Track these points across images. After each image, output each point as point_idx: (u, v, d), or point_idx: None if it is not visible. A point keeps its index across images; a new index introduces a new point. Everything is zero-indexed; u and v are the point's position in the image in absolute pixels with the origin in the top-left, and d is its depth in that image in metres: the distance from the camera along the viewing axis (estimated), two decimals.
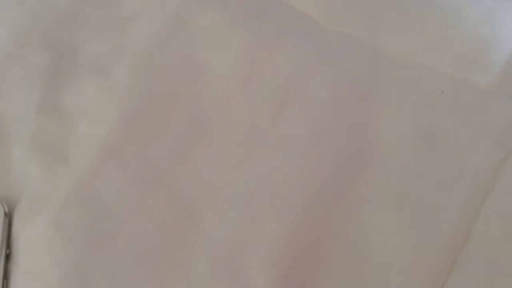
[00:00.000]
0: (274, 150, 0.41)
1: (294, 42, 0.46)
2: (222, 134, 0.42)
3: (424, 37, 0.48)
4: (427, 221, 0.37)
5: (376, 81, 0.45)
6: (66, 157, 0.41)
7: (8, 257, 0.36)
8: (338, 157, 0.41)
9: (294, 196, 0.39)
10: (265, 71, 0.44)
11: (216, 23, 0.47)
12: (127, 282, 0.36)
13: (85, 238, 0.37)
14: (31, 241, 0.37)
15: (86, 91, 0.44)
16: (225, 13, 0.48)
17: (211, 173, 0.40)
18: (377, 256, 0.37)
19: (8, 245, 0.37)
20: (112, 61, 0.46)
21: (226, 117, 0.42)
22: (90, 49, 0.47)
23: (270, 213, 0.38)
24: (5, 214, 0.38)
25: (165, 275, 0.37)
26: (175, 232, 0.38)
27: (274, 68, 0.44)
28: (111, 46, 0.47)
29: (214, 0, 0.49)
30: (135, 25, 0.48)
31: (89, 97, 0.44)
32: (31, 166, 0.40)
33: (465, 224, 0.37)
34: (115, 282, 0.36)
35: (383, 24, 0.50)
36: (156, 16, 0.48)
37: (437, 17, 0.49)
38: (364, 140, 0.42)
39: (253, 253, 0.37)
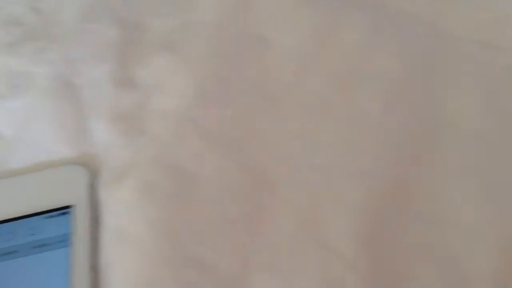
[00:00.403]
0: (345, 122, 0.41)
1: (359, 18, 0.47)
2: (293, 106, 0.42)
3: (487, 15, 0.49)
4: (505, 191, 0.38)
5: (441, 56, 0.46)
6: (145, 127, 0.42)
7: (96, 219, 0.38)
8: (410, 129, 0.41)
9: (368, 165, 0.39)
10: (332, 45, 0.45)
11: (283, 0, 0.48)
12: (212, 243, 0.37)
13: (170, 199, 0.38)
14: (120, 205, 0.38)
15: (158, 65, 0.45)
16: None
17: (285, 143, 0.41)
18: (462, 227, 0.37)
19: (95, 208, 0.38)
20: (182, 36, 0.47)
21: (295, 90, 0.43)
22: (158, 26, 0.49)
23: (345, 181, 0.39)
24: (89, 180, 0.39)
25: (246, 240, 0.38)
26: (254, 198, 0.39)
27: (341, 42, 0.45)
28: (179, 23, 0.48)
29: None
30: (202, 2, 0.49)
31: (162, 71, 0.45)
32: (111, 137, 0.41)
33: None
34: (199, 241, 0.37)
35: (446, 2, 0.50)
36: None
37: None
38: (435, 114, 0.42)
39: (333, 219, 0.38)
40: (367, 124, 0.41)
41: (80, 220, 0.37)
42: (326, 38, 0.46)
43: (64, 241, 0.36)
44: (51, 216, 0.37)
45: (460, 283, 0.36)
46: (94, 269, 0.36)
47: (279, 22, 0.47)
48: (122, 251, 0.37)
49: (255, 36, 0.46)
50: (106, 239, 0.37)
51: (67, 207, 0.38)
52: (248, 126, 0.42)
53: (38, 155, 0.41)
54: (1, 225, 0.37)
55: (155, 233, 0.37)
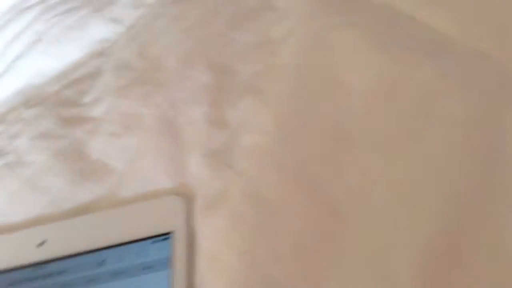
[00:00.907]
0: (412, 164, 0.45)
1: (428, 60, 0.51)
2: (364, 144, 0.47)
3: None
4: None
5: (506, 97, 0.49)
6: (233, 162, 0.48)
7: (191, 244, 0.44)
8: (474, 171, 0.44)
9: (433, 206, 0.43)
10: (402, 88, 0.49)
11: (356, 44, 0.53)
12: (290, 268, 0.42)
13: (253, 226, 0.44)
14: (212, 231, 0.44)
15: (245, 106, 0.52)
16: (364, 33, 0.54)
17: (355, 180, 0.45)
18: None
19: (191, 234, 0.45)
20: (265, 79, 0.53)
21: (366, 130, 0.48)
22: (246, 70, 0.55)
23: (411, 220, 0.42)
24: (185, 208, 0.46)
25: (318, 267, 0.42)
26: (324, 229, 0.43)
27: (410, 85, 0.49)
28: (263, 66, 0.55)
29: (354, 22, 0.55)
30: (285, 47, 0.56)
31: (248, 111, 0.51)
32: (204, 170, 0.48)
33: None
34: (278, 265, 0.42)
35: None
36: (303, 38, 0.56)
37: None
38: (498, 154, 0.45)
39: (398, 256, 0.41)
40: (432, 166, 0.45)
41: (178, 245, 0.43)
42: (396, 81, 0.50)
43: (165, 263, 0.42)
44: (154, 242, 0.44)
45: None
46: None
47: (352, 66, 0.52)
48: (214, 273, 0.43)
49: (331, 78, 0.52)
50: (200, 263, 0.43)
51: (168, 233, 0.44)
52: (323, 162, 0.47)
53: (143, 186, 0.49)
54: (114, 249, 0.44)
55: (242, 258, 0.43)
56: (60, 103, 0.60)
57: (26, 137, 0.57)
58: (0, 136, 0.58)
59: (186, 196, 0.47)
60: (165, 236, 0.44)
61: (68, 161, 0.53)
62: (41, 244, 0.46)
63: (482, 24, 0.55)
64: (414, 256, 0.41)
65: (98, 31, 0.68)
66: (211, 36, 0.60)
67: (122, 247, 0.44)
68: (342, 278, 0.41)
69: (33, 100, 0.62)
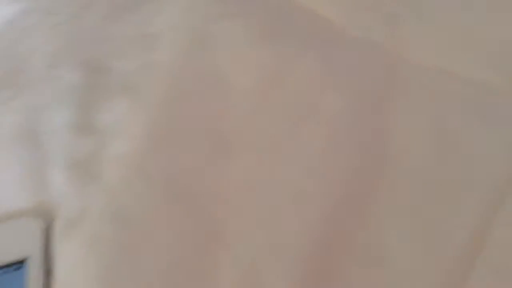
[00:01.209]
0: (293, 164, 0.42)
1: (314, 53, 0.47)
2: (243, 148, 0.43)
3: (446, 41, 0.48)
4: (442, 229, 0.38)
5: (394, 86, 0.46)
6: (98, 174, 0.43)
7: (48, 272, 0.39)
8: (354, 168, 0.41)
9: (311, 213, 0.40)
10: (285, 84, 0.46)
11: (237, 35, 0.49)
12: None
13: (114, 251, 0.39)
14: (68, 258, 0.39)
15: (117, 109, 0.47)
16: (247, 25, 0.49)
17: (232, 190, 0.41)
18: (394, 265, 0.37)
19: (48, 261, 0.40)
20: (141, 78, 0.48)
21: (246, 132, 0.44)
22: (119, 67, 0.50)
23: (289, 227, 0.39)
24: (43, 230, 0.41)
25: (194, 285, 0.39)
26: (199, 245, 0.39)
27: (294, 81, 0.46)
28: (139, 64, 0.50)
29: (237, 13, 0.51)
30: (163, 42, 0.51)
31: (120, 115, 0.46)
32: (66, 184, 0.43)
33: (480, 232, 0.37)
34: None
35: (404, 28, 0.50)
36: (182, 32, 0.51)
37: (459, 19, 0.49)
38: (381, 150, 0.42)
39: (275, 265, 0.38)
40: (312, 165, 0.42)
41: (33, 274, 0.38)
42: (280, 77, 0.46)
43: None
44: (6, 272, 0.39)
45: None
46: None
47: (234, 61, 0.48)
48: None
49: (212, 75, 0.47)
50: None
51: (22, 261, 0.39)
52: (198, 171, 0.42)
53: None
54: None
55: (102, 286, 0.38)
56: None
57: None
58: None
59: (45, 216, 0.42)
60: (18, 264, 0.39)
61: None
62: None
63: (371, 12, 0.51)
64: (291, 268, 0.38)
65: None
66: (83, 31, 0.54)
67: None
68: None
69: None
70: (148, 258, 0.39)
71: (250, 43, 0.48)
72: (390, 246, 0.38)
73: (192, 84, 0.47)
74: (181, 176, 0.42)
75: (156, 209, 0.41)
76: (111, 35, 0.54)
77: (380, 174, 0.41)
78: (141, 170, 0.42)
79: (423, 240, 0.38)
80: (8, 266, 0.39)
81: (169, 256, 0.39)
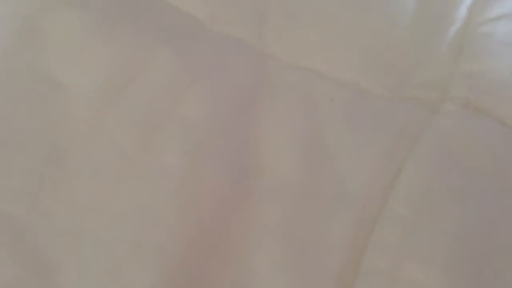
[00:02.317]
0: (145, 184, 0.36)
1: (168, 50, 0.41)
2: (82, 167, 0.36)
3: (317, 40, 0.45)
4: (311, 254, 0.34)
5: (261, 88, 0.42)
6: None
7: None
8: (216, 187, 0.36)
9: (165, 240, 0.34)
10: (134, 88, 0.39)
11: (74, 29, 0.41)
12: None
13: None
14: None
15: None
16: (86, 17, 0.42)
17: (67, 216, 0.34)
18: None
19: None
20: None
21: (88, 146, 0.37)
22: None
23: (136, 264, 0.33)
24: None
25: None
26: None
27: (146, 84, 0.39)
28: None
29: (75, 2, 0.43)
30: None
31: None
32: None
33: (353, 257, 0.33)
34: None
35: (271, 24, 0.46)
36: (9, 24, 0.42)
37: (327, 18, 0.46)
38: (246, 162, 0.38)
39: None
40: (168, 185, 0.36)
41: None
42: (127, 79, 0.39)
43: None
44: None
45: None
46: None
47: (71, 60, 0.40)
48: None
49: (44, 78, 0.39)
50: None
51: None
52: (26, 196, 0.35)
53: None
54: None
55: None
56: None
57: None
58: None
59: None
60: None
61: None
62: None
63: (236, 7, 0.46)
64: None
65: None
66: None
67: None
68: None
69: None
70: None
71: (89, 38, 0.41)
72: (255, 275, 0.33)
73: (21, 89, 0.39)
74: (8, 206, 0.34)
75: None
76: None
77: (247, 192, 0.36)
78: None
79: (290, 267, 0.34)
80: None
81: None
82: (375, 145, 0.37)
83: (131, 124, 0.38)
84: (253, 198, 0.36)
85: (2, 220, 0.34)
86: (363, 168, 0.37)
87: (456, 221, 0.33)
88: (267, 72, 0.43)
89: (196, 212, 0.35)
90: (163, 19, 0.45)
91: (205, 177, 0.37)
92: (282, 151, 0.38)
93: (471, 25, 0.43)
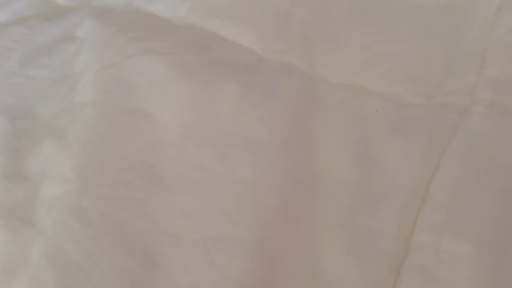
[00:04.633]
0: (225, 192, 0.43)
1: (234, 82, 0.49)
2: (174, 180, 0.44)
3: (355, 60, 0.52)
4: (369, 239, 0.40)
5: (314, 106, 0.49)
6: (33, 219, 0.43)
7: None
8: (284, 191, 0.43)
9: (246, 235, 0.41)
10: (209, 116, 0.47)
11: (159, 72, 0.50)
12: None
13: None
14: None
15: (44, 153, 0.47)
16: (168, 61, 0.51)
17: (168, 220, 0.42)
18: (330, 278, 0.40)
19: None
20: (66, 120, 0.49)
21: (176, 164, 0.45)
22: (44, 112, 0.50)
23: (226, 255, 0.41)
24: None
25: None
26: (140, 282, 0.40)
27: (218, 112, 0.47)
28: (63, 106, 0.50)
29: (155, 50, 0.52)
30: (84, 81, 0.51)
31: (48, 159, 0.46)
32: (2, 232, 0.43)
33: (403, 238, 0.40)
34: None
35: (317, 50, 0.53)
36: (102, 70, 0.51)
37: (366, 41, 0.53)
38: (307, 169, 0.45)
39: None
40: (243, 192, 0.43)
41: None
42: (202, 109, 0.48)
43: None
44: None
45: None
46: None
47: (156, 96, 0.49)
48: None
49: (135, 111, 0.48)
50: None
51: None
52: (132, 205, 0.43)
53: None
54: None
55: None
56: None
57: None
58: None
59: None
60: None
61: None
62: None
63: (284, 36, 0.54)
64: None
65: None
66: (3, 77, 0.54)
67: None
68: None
69: None
70: None
71: (170, 78, 0.50)
72: (325, 260, 0.40)
73: (117, 122, 0.48)
74: (116, 212, 0.43)
75: (94, 249, 0.41)
76: (31, 80, 0.54)
77: (310, 192, 0.43)
78: (75, 211, 0.43)
79: (353, 251, 0.40)
80: None
81: None
82: (415, 146, 0.43)
83: (209, 144, 0.46)
84: (316, 198, 0.43)
85: (118, 224, 0.42)
86: (407, 167, 0.43)
87: (484, 204, 0.39)
88: (318, 92, 0.50)
89: (268, 211, 0.43)
90: (227, 55, 0.53)
91: (273, 183, 0.44)
92: (337, 158, 0.45)
93: (493, 35, 0.49)
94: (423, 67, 0.49)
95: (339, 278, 0.40)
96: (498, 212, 0.39)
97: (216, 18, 0.56)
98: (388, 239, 0.40)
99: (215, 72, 0.50)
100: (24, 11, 0.62)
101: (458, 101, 0.46)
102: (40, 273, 0.40)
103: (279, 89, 0.50)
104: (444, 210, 0.40)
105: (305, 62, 0.53)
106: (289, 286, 0.40)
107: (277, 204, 0.43)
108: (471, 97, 0.46)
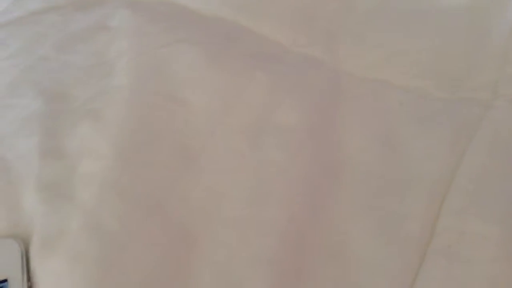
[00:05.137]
0: (254, 174, 0.45)
1: (263, 71, 0.51)
2: (207, 161, 0.46)
3: (379, 54, 0.54)
4: (396, 222, 0.42)
5: (340, 97, 0.51)
6: (71, 194, 0.44)
7: None
8: (313, 174, 0.45)
9: (277, 215, 0.43)
10: (240, 102, 0.49)
11: (192, 61, 0.52)
12: None
13: (97, 266, 0.40)
14: (51, 275, 0.40)
15: (81, 132, 0.48)
16: (200, 51, 0.53)
17: (201, 198, 0.44)
18: (357, 258, 0.41)
19: (29, 279, 0.41)
20: (102, 103, 0.50)
21: (209, 146, 0.47)
22: (79, 94, 0.52)
23: (257, 233, 0.42)
24: (22, 251, 0.42)
25: None
26: (175, 256, 0.42)
27: (247, 99, 0.50)
28: (98, 90, 0.52)
29: (187, 40, 0.54)
30: (119, 67, 0.53)
31: (85, 138, 0.48)
32: (40, 206, 0.44)
33: (429, 222, 0.41)
34: None
35: (342, 44, 0.56)
36: (136, 57, 0.53)
37: (391, 36, 0.55)
38: (334, 155, 0.46)
39: (251, 266, 0.41)
40: (273, 174, 0.45)
41: None
42: (234, 96, 0.50)
43: None
44: None
45: None
46: None
47: (189, 83, 0.51)
48: None
49: (169, 96, 0.50)
50: None
51: (3, 281, 0.40)
52: (168, 184, 0.45)
53: None
54: None
55: None
56: None
57: None
58: None
59: (21, 238, 0.43)
60: (0, 283, 0.40)
61: None
62: None
63: (310, 30, 0.56)
64: (264, 269, 0.41)
65: None
66: (38, 62, 0.56)
67: None
68: None
69: None
70: (129, 268, 0.41)
71: (202, 66, 0.52)
72: (352, 241, 0.42)
73: (152, 105, 0.50)
74: (152, 189, 0.44)
75: (132, 223, 0.43)
76: (66, 65, 0.56)
77: (338, 177, 0.45)
78: (114, 187, 0.44)
79: (380, 233, 0.42)
80: None
81: (148, 267, 0.41)
82: (440, 136, 0.45)
83: (240, 129, 0.48)
84: (343, 182, 0.45)
85: (154, 201, 0.44)
86: (432, 155, 0.45)
87: (508, 189, 0.41)
88: (343, 84, 0.52)
89: (298, 193, 0.44)
90: (255, 47, 0.55)
91: (302, 167, 0.46)
92: (363, 146, 0.47)
93: None
94: (446, 62, 0.52)
95: (366, 259, 0.41)
96: None
97: (245, 12, 0.59)
98: (414, 222, 0.42)
99: (244, 61, 0.53)
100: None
101: (481, 96, 0.49)
102: (79, 245, 0.42)
103: (306, 79, 0.52)
104: (469, 195, 0.42)
105: (330, 56, 0.55)
106: (317, 265, 0.41)
107: (306, 186, 0.45)
108: (494, 93, 0.48)
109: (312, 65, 0.54)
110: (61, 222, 0.43)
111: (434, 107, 0.49)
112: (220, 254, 0.42)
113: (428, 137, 0.46)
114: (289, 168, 0.46)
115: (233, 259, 0.42)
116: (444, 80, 0.51)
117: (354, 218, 0.43)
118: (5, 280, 0.40)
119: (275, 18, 0.58)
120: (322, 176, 0.46)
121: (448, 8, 0.55)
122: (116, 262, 0.41)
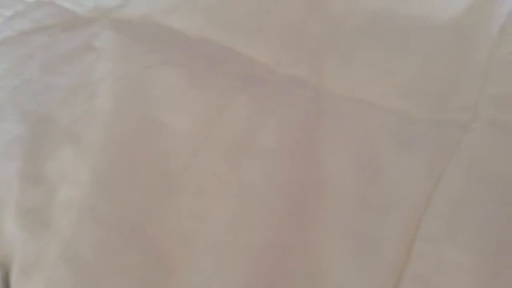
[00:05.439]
0: (234, 198, 0.45)
1: (246, 93, 0.51)
2: (187, 185, 0.46)
3: (363, 74, 0.54)
4: (373, 246, 0.42)
5: (322, 118, 0.51)
6: (49, 221, 0.45)
7: None
8: (293, 197, 0.45)
9: (255, 239, 0.43)
10: (221, 125, 0.49)
11: (174, 83, 0.52)
12: None
13: None
14: None
15: (62, 157, 0.49)
16: (183, 72, 0.53)
17: (180, 223, 0.44)
18: (333, 282, 0.41)
19: None
20: (83, 127, 0.51)
21: (189, 169, 0.47)
22: (62, 117, 0.52)
23: (235, 258, 0.42)
24: (3, 277, 0.42)
25: None
26: (152, 284, 0.42)
27: (229, 122, 0.50)
28: (81, 113, 0.52)
29: (171, 61, 0.54)
30: (101, 90, 0.53)
31: (65, 162, 0.48)
32: (20, 232, 0.44)
33: (405, 246, 0.41)
34: None
35: (326, 64, 0.56)
36: (118, 80, 0.54)
37: (374, 56, 0.55)
38: (315, 177, 0.46)
39: None
40: (253, 198, 0.45)
41: None
42: (215, 119, 0.50)
43: None
44: None
45: None
46: None
47: (171, 106, 0.51)
48: None
49: (150, 119, 0.50)
50: None
51: None
52: (146, 209, 0.45)
53: None
54: None
55: None
56: None
57: None
58: None
59: (3, 264, 0.43)
60: None
61: None
62: None
63: (297, 49, 0.56)
64: None
65: None
66: (23, 85, 0.56)
67: None
68: None
69: None
70: None
71: (184, 88, 0.52)
72: (329, 264, 0.42)
73: (133, 129, 0.50)
74: (131, 215, 0.45)
75: (109, 250, 0.43)
76: (51, 87, 0.56)
77: (317, 200, 0.45)
78: (91, 213, 0.45)
79: (357, 257, 0.42)
80: None
81: None
82: (419, 159, 0.45)
83: (221, 151, 0.48)
84: (322, 205, 0.45)
85: (131, 226, 0.44)
86: (410, 178, 0.44)
87: (484, 216, 0.41)
88: (326, 104, 0.52)
89: (276, 217, 0.44)
90: (239, 68, 0.55)
91: (281, 190, 0.46)
92: (343, 168, 0.47)
93: (496, 55, 0.51)
94: (429, 83, 0.51)
95: (341, 283, 0.41)
96: (498, 223, 0.40)
97: (230, 32, 0.59)
98: (390, 247, 0.42)
99: (227, 83, 0.53)
100: (45, 20, 0.65)
101: (461, 117, 0.48)
102: (56, 274, 0.42)
103: (288, 101, 0.52)
104: (445, 221, 0.41)
105: (315, 76, 0.55)
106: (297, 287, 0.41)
107: (285, 209, 0.45)
108: (474, 114, 0.48)
109: (297, 85, 0.54)
110: (39, 250, 0.43)
111: (415, 129, 0.49)
112: (197, 280, 0.42)
113: (408, 159, 0.46)
114: (269, 191, 0.46)
115: (210, 285, 0.42)
116: (426, 101, 0.50)
117: (332, 241, 0.43)
118: None
119: (260, 38, 0.58)
120: (302, 198, 0.46)
121: (432, 28, 0.55)
122: None
